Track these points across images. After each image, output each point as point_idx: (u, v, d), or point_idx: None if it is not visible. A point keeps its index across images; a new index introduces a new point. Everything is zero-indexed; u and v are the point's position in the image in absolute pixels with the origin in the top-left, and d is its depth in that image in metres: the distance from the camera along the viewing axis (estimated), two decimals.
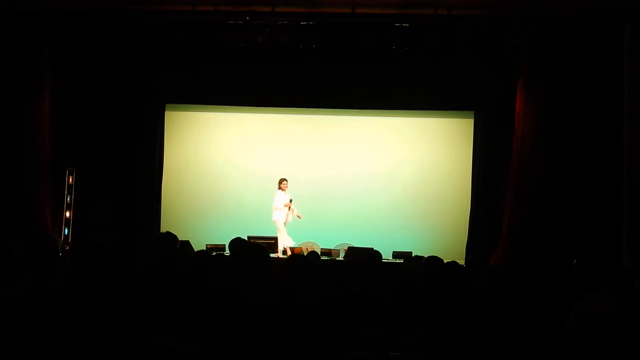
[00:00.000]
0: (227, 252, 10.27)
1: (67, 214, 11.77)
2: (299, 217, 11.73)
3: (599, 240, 10.23)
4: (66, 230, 11.74)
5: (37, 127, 11.20)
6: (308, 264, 4.24)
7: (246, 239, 8.61)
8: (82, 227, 11.81)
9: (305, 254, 11.18)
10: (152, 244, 5.31)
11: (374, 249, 9.87)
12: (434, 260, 4.85)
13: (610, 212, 10.47)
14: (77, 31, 11.15)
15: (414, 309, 4.16)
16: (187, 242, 9.50)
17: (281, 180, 11.81)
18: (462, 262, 5.65)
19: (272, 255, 10.36)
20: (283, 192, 11.72)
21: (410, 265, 5.63)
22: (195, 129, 13.20)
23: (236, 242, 5.31)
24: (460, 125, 12.86)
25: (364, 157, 12.98)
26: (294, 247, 11.56)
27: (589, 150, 10.87)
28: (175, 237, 5.40)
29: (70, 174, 11.89)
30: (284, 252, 11.47)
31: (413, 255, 9.78)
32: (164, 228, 12.27)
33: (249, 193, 12.90)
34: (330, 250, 11.27)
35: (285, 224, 11.68)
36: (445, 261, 4.95)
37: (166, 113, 13.00)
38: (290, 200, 11.62)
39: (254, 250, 3.76)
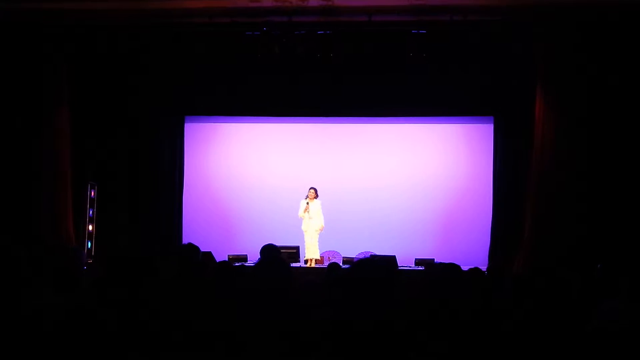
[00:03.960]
0: (249, 262, 10.54)
1: (90, 227, 11.88)
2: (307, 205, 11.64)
3: (622, 246, 10.09)
4: (89, 244, 11.85)
5: (58, 141, 11.34)
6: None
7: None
8: (105, 240, 11.91)
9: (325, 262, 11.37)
10: (174, 255, 5.32)
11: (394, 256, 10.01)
12: (452, 268, 4.77)
13: (634, 218, 10.42)
14: (95, 45, 11.30)
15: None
16: (209, 253, 9.54)
17: (309, 189, 11.85)
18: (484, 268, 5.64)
19: (293, 265, 10.69)
20: (306, 202, 11.77)
21: (433, 272, 5.71)
22: (215, 141, 13.33)
23: (268, 251, 5.35)
24: (480, 131, 12.87)
25: (384, 165, 13.03)
26: (315, 258, 11.67)
27: (611, 154, 10.75)
28: (197, 248, 5.40)
29: (92, 187, 12.01)
30: (306, 261, 11.54)
31: (435, 262, 10.16)
32: (185, 239, 12.37)
33: (269, 202, 12.98)
34: (352, 258, 11.26)
35: (308, 233, 11.70)
36: (467, 268, 4.91)
37: (186, 125, 13.13)
38: (307, 203, 11.62)
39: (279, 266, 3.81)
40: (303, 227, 11.67)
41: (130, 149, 12.37)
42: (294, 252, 11.40)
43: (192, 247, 5.42)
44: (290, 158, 13.17)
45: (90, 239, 11.88)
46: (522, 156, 11.63)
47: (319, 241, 11.78)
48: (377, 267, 3.50)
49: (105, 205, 12.18)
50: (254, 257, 10.34)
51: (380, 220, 12.79)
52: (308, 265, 11.48)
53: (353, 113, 12.83)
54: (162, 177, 12.63)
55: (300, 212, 11.69)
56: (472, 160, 12.85)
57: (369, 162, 13.06)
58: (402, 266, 10.34)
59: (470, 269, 5.03)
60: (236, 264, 5.40)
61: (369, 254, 11.30)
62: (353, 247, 11.98)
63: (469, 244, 12.45)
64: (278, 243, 11.05)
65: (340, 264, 8.42)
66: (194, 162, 13.19)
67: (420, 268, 10.80)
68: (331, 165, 13.09)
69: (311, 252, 11.56)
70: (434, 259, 11.05)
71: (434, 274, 4.57)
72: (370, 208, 12.85)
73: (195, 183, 13.17)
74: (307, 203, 11.57)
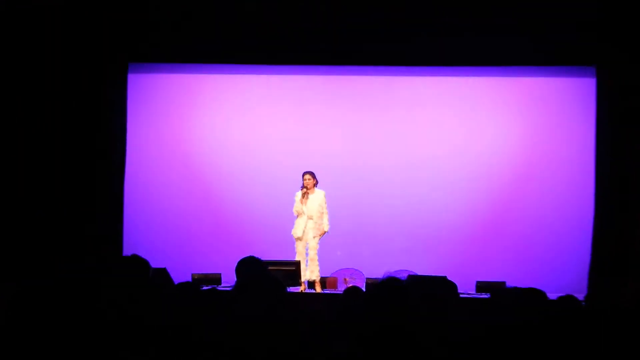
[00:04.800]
0: (224, 285, 10.67)
1: None
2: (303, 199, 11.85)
3: None
4: None
5: None
6: None
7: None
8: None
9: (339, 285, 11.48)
10: (111, 273, 5.16)
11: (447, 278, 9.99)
12: (534, 295, 4.77)
13: None
14: None
15: None
16: (163, 271, 9.07)
17: (303, 175, 12.00)
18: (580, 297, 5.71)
19: (292, 289, 10.85)
20: (301, 193, 11.93)
21: (503, 302, 5.68)
22: (172, 101, 13.41)
23: (248, 266, 5.61)
24: (575, 90, 13.00)
25: (424, 139, 13.19)
26: (326, 277, 11.75)
27: None
28: (145, 262, 5.45)
29: None
30: (312, 284, 11.74)
31: (506, 286, 9.94)
32: (128, 248, 12.53)
33: (252, 194, 13.23)
34: (410, 276, 11.20)
35: (302, 240, 11.82)
36: (556, 296, 4.96)
37: (130, 77, 13.14)
38: (304, 191, 11.82)
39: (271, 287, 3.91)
40: (295, 232, 11.85)
41: (46, 112, 12.37)
42: (293, 271, 11.38)
43: (138, 262, 5.43)
44: (283, 128, 13.34)
45: None
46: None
47: (329, 253, 12.03)
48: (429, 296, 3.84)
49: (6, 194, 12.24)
50: (230, 277, 9.95)
51: (416, 221, 13.02)
52: (314, 289, 11.70)
53: (379, 60, 12.94)
54: (93, 153, 12.61)
55: (297, 206, 11.88)
56: (562, 134, 12.98)
57: (399, 134, 13.27)
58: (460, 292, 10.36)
59: (561, 298, 5.08)
60: (205, 287, 5.24)
61: (405, 273, 11.17)
62: (378, 263, 12.10)
63: (554, 260, 12.67)
64: (266, 256, 11.14)
65: (363, 289, 8.39)
66: (142, 132, 13.26)
67: (484, 296, 10.94)
68: (344, 139, 13.30)
69: (309, 271, 11.74)
70: (504, 282, 11.15)
71: (508, 304, 4.67)
72: (402, 202, 13.05)
73: (142, 163, 13.27)
74: (304, 194, 11.82)
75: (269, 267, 9.69)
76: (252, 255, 6.07)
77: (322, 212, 11.90)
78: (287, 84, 13.55)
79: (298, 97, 13.50)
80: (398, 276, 11.21)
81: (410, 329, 3.86)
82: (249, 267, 5.94)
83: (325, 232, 11.89)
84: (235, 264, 6.00)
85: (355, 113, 13.40)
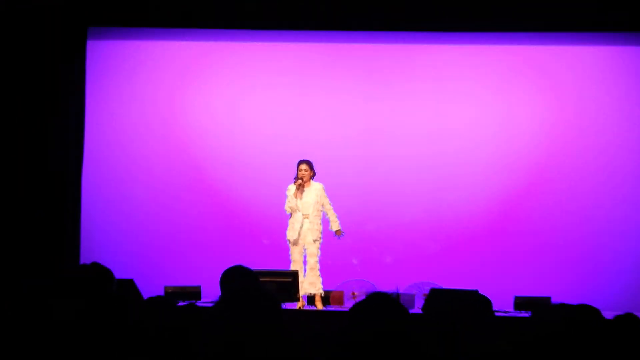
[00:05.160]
0: (205, 301, 10.92)
1: None
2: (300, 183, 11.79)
3: None
4: None
5: None
6: None
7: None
8: None
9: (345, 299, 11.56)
10: (66, 284, 5.30)
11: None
12: (588, 313, 4.61)
13: None
14: None
15: None
16: (130, 282, 9.74)
17: (298, 165, 11.97)
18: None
19: (288, 306, 10.90)
20: (295, 185, 11.92)
21: (548, 321, 5.56)
22: (140, 75, 13.49)
23: (235, 277, 5.76)
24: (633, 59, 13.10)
25: (455, 125, 13.25)
26: (329, 292, 11.78)
27: None
28: (108, 272, 5.53)
29: None
30: (312, 300, 11.74)
31: (552, 303, 10.00)
32: (86, 254, 12.59)
33: (238, 189, 13.33)
34: (398, 294, 11.12)
35: (298, 244, 11.82)
36: (614, 315, 4.93)
37: (89, 44, 13.24)
38: (297, 183, 11.79)
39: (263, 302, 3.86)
40: (289, 234, 11.86)
41: None
42: (289, 284, 11.21)
43: (99, 271, 5.51)
44: (274, 108, 13.45)
45: None
46: None
47: (331, 259, 12.12)
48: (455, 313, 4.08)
49: None
50: (212, 290, 10.38)
51: (439, 221, 13.16)
52: (314, 306, 11.68)
53: (394, 24, 13.03)
54: (43, 136, 12.70)
55: (291, 202, 11.84)
56: (615, 111, 13.06)
57: (420, 113, 13.38)
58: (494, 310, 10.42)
59: (620, 317, 5.06)
60: (181, 303, 5.25)
61: (428, 285, 11.37)
62: (392, 273, 12.42)
63: (607, 271, 12.76)
64: (256, 265, 11.12)
65: None
66: (103, 114, 13.39)
67: (524, 314, 11.01)
68: (352, 123, 13.41)
69: (308, 283, 11.72)
70: (548, 298, 11.27)
71: (554, 324, 4.55)
72: (426, 204, 13.15)
73: (103, 150, 13.36)
74: (298, 186, 11.81)
75: (261, 279, 9.90)
76: (240, 264, 6.05)
77: (320, 210, 11.85)
78: (279, 54, 13.57)
79: (291, 70, 13.52)
80: (421, 288, 11.27)
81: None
82: (237, 278, 5.94)
83: (340, 233, 11.89)
84: (220, 275, 5.97)
85: (367, 90, 13.42)
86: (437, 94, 13.32)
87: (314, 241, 11.72)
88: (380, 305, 3.90)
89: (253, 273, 6.03)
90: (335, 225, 11.81)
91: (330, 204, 11.85)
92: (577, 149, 13.07)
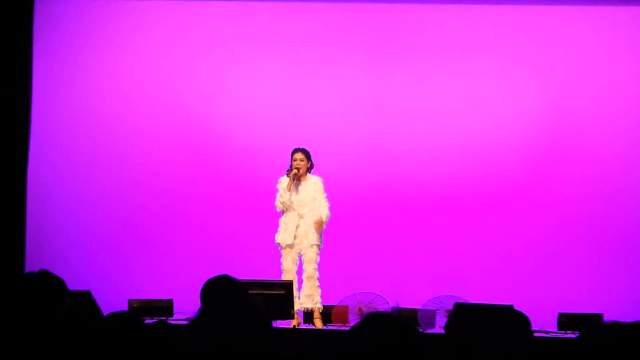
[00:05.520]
0: (178, 316, 10.93)
1: None
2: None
3: None
4: None
5: None
6: None
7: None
8: None
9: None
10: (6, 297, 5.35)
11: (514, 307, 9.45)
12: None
13: None
14: None
15: None
16: (87, 295, 9.74)
17: (292, 153, 11.53)
18: None
19: (281, 324, 10.77)
20: (289, 178, 11.46)
21: (600, 343, 4.79)
22: (99, 41, 13.14)
23: (219, 289, 5.81)
24: None
25: (486, 113, 13.05)
26: (331, 307, 11.51)
27: None
28: (60, 281, 5.41)
29: None
30: (309, 316, 11.30)
31: (604, 321, 9.76)
32: (32, 261, 12.36)
33: (219, 184, 13.10)
34: (416, 310, 11.00)
35: (293, 249, 11.30)
36: None
37: (37, 4, 13.00)
38: (291, 174, 11.33)
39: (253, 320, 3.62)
40: (280, 237, 11.38)
41: None
42: (282, 296, 10.86)
43: (49, 280, 5.46)
44: (265, 83, 13.15)
45: None
46: None
47: (333, 267, 11.95)
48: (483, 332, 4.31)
49: None
50: (186, 304, 10.47)
51: (465, 225, 12.97)
52: (312, 324, 11.28)
53: None
54: None
55: (283, 196, 11.35)
56: None
57: (447, 105, 13.08)
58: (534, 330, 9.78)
59: None
60: (149, 320, 5.16)
61: (452, 299, 11.04)
62: (407, 285, 12.34)
63: None
64: (239, 275, 10.20)
65: None
66: (54, 90, 13.05)
67: (570, 335, 10.80)
68: (363, 108, 13.18)
69: (304, 296, 11.34)
70: (600, 315, 11.15)
71: (607, 346, 4.44)
72: (452, 204, 12.96)
73: (52, 136, 13.09)
74: (293, 178, 11.35)
75: (250, 291, 9.23)
76: (226, 274, 6.07)
77: (318, 203, 11.41)
78: (274, 16, 13.23)
79: (286, 36, 13.24)
80: (441, 304, 10.74)
81: None
82: (222, 289, 5.99)
83: (321, 221, 11.26)
84: (197, 286, 5.97)
85: (381, 62, 13.15)
86: (470, 70, 13.07)
87: (312, 246, 11.22)
88: (378, 328, 3.48)
89: (241, 284, 6.22)
90: (323, 214, 11.16)
91: (326, 200, 11.32)
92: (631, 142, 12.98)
